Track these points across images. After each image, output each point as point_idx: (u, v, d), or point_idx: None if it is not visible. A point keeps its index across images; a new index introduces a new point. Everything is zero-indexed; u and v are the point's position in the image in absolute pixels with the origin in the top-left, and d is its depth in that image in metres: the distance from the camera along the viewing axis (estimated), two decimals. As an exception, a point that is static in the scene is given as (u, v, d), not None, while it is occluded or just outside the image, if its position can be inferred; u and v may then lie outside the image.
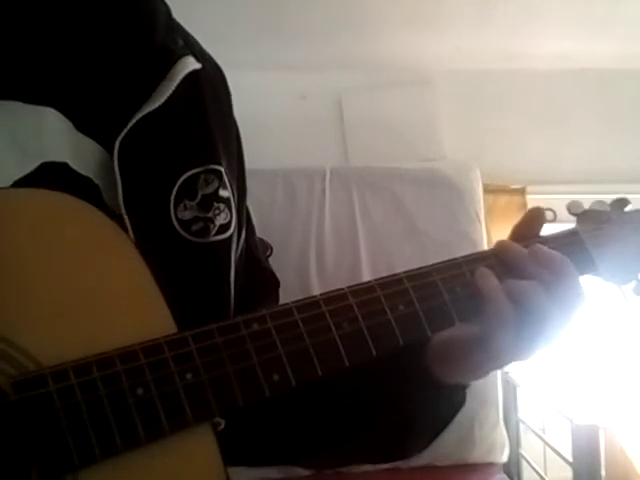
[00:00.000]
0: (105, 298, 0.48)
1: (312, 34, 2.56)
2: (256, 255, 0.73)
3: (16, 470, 0.43)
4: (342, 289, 0.57)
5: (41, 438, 0.43)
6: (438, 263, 0.62)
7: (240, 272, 0.69)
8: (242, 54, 2.63)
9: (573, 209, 0.74)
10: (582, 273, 0.68)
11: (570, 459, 1.91)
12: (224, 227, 0.65)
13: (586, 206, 0.75)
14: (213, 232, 0.64)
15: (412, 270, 0.60)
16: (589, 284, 0.68)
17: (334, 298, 0.56)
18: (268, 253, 2.28)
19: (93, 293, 0.48)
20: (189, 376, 0.47)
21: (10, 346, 0.44)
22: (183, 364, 0.48)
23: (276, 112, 2.77)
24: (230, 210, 0.67)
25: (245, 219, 0.71)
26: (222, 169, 0.66)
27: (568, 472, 1.91)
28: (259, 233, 2.80)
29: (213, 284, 0.65)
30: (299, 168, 2.60)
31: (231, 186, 0.68)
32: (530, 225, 0.66)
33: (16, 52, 0.55)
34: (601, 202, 0.75)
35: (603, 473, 1.84)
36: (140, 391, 0.46)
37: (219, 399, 0.48)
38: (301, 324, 0.53)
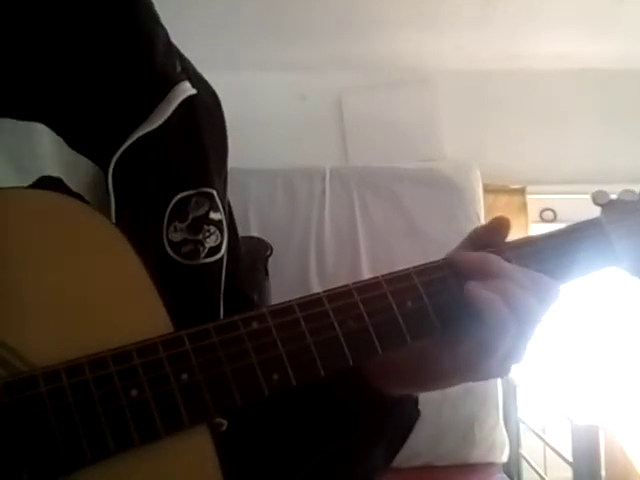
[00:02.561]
0: (101, 298, 0.48)
1: (312, 34, 2.56)
2: (235, 276, 0.71)
3: (6, 472, 0.43)
4: (347, 285, 0.55)
5: (32, 440, 0.42)
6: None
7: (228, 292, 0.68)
8: (242, 54, 2.63)
9: (598, 199, 0.69)
10: (604, 266, 0.65)
11: (570, 459, 1.91)
12: (214, 250, 0.65)
13: (613, 196, 0.70)
14: (203, 254, 0.64)
15: (421, 265, 0.58)
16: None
17: (338, 295, 0.54)
18: (268, 253, 2.29)
19: (89, 293, 0.48)
20: (184, 376, 0.46)
21: (2, 347, 0.44)
22: (178, 364, 0.47)
23: (276, 112, 2.77)
24: (221, 232, 0.66)
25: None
26: (214, 192, 0.66)
27: (568, 472, 1.91)
28: (259, 233, 2.80)
29: (202, 306, 0.64)
30: (299, 168, 2.60)
31: (223, 209, 0.68)
32: (494, 234, 0.63)
33: (9, 69, 0.55)
34: (630, 191, 0.70)
35: (603, 473, 1.84)
36: (134, 392, 0.45)
37: (216, 399, 0.47)
38: (303, 322, 0.52)
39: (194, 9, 2.24)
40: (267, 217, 2.51)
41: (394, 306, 0.55)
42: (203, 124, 0.68)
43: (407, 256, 2.41)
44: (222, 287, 0.67)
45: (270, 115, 2.76)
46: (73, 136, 0.57)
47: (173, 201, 0.63)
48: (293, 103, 2.81)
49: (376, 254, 2.48)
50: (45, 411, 0.43)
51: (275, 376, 0.50)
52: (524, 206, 2.75)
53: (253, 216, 2.48)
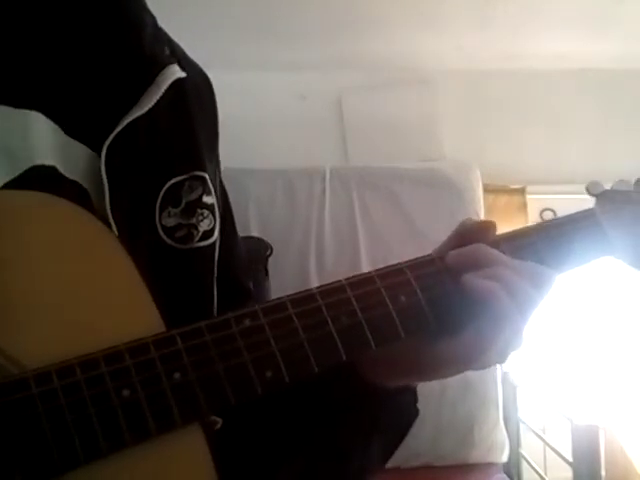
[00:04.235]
0: (92, 299, 0.48)
1: (312, 34, 2.56)
2: (230, 264, 0.72)
3: None
4: (339, 281, 0.55)
5: (24, 442, 0.42)
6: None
7: (222, 274, 0.68)
8: (242, 54, 2.63)
9: (592, 190, 0.69)
10: (599, 256, 0.65)
11: (570, 459, 1.90)
12: (208, 233, 0.65)
13: (607, 186, 0.70)
14: (197, 238, 0.64)
15: (414, 259, 0.58)
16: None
17: (331, 291, 0.54)
18: (268, 253, 2.29)
19: (80, 294, 0.48)
20: (177, 376, 0.46)
21: None
22: (170, 363, 0.46)
23: (276, 112, 2.77)
24: (214, 216, 0.67)
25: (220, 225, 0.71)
26: (206, 175, 0.66)
27: (568, 472, 1.91)
28: (259, 233, 2.79)
29: (196, 290, 0.64)
30: (299, 168, 2.60)
31: (215, 192, 0.68)
32: (482, 232, 0.62)
33: (2, 57, 0.55)
34: (624, 181, 0.70)
35: (603, 473, 1.84)
36: (126, 392, 0.45)
37: (208, 398, 0.47)
38: (295, 319, 0.51)
39: (193, 9, 2.25)
40: (267, 217, 2.51)
41: (387, 301, 0.55)
42: (193, 107, 0.68)
43: (407, 256, 2.38)
44: (215, 270, 0.67)
45: (270, 115, 2.76)
46: (68, 122, 0.57)
47: (166, 186, 0.63)
48: (293, 103, 2.81)
49: (376, 254, 2.48)
50: (37, 413, 0.43)
51: (268, 374, 0.49)
52: (524, 206, 2.75)
53: (253, 216, 2.48)
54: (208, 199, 0.66)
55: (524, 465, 2.41)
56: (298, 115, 2.79)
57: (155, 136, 0.63)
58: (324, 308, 0.53)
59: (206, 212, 0.65)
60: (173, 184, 0.63)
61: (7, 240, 0.47)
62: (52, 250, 0.48)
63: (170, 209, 0.62)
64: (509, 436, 2.45)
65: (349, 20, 2.43)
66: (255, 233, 2.41)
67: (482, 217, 2.55)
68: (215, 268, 0.67)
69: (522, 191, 2.76)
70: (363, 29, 2.49)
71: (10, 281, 0.46)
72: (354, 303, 0.54)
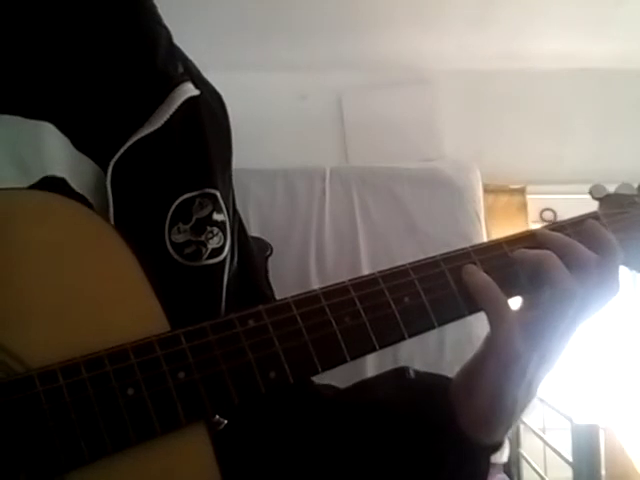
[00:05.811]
0: (96, 298, 0.48)
1: (313, 34, 2.56)
2: (249, 274, 0.72)
3: (4, 473, 0.43)
4: (343, 282, 0.55)
5: (28, 440, 0.43)
6: (445, 253, 0.60)
7: (231, 295, 0.68)
8: (242, 54, 2.63)
9: (596, 193, 0.70)
10: None
11: (570, 459, 1.90)
12: (217, 251, 0.65)
13: (611, 190, 0.71)
14: (205, 256, 0.64)
15: (417, 261, 0.59)
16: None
17: (335, 292, 0.54)
18: (268, 253, 2.29)
19: (84, 293, 0.48)
20: (181, 375, 0.47)
21: None
22: (175, 363, 0.47)
23: (276, 112, 2.77)
24: (224, 234, 0.66)
25: (236, 242, 0.71)
26: (217, 193, 0.66)
27: (568, 472, 1.90)
28: (259, 233, 2.80)
29: (204, 307, 0.64)
30: (299, 168, 2.60)
31: (227, 210, 0.68)
32: None
33: (18, 67, 0.56)
34: (628, 185, 0.71)
35: (603, 473, 1.84)
36: (130, 391, 0.45)
37: (213, 398, 0.48)
38: (299, 319, 0.52)
39: (194, 9, 2.25)
40: (267, 217, 2.50)
41: (391, 303, 0.55)
42: (206, 125, 0.68)
43: (407, 256, 2.37)
44: (224, 289, 0.67)
45: (270, 115, 2.76)
46: (78, 136, 0.57)
47: (177, 202, 0.63)
48: (293, 103, 2.81)
49: (376, 254, 2.48)
50: (42, 411, 0.43)
51: (272, 374, 0.50)
52: (524, 206, 2.75)
53: (253, 216, 2.48)
54: (219, 217, 0.66)
55: (524, 465, 2.41)
56: (298, 115, 2.79)
57: (166, 153, 0.63)
58: (328, 309, 0.53)
59: (216, 230, 0.65)
60: (184, 200, 0.63)
61: (14, 238, 0.47)
62: (58, 250, 0.48)
63: (180, 225, 0.62)
64: (509, 436, 2.45)
65: (349, 20, 2.44)
66: (255, 233, 2.40)
67: (482, 217, 2.55)
68: (224, 287, 0.66)
69: (522, 191, 2.77)
70: (363, 29, 2.50)
71: (16, 279, 0.46)
72: (358, 304, 0.54)
